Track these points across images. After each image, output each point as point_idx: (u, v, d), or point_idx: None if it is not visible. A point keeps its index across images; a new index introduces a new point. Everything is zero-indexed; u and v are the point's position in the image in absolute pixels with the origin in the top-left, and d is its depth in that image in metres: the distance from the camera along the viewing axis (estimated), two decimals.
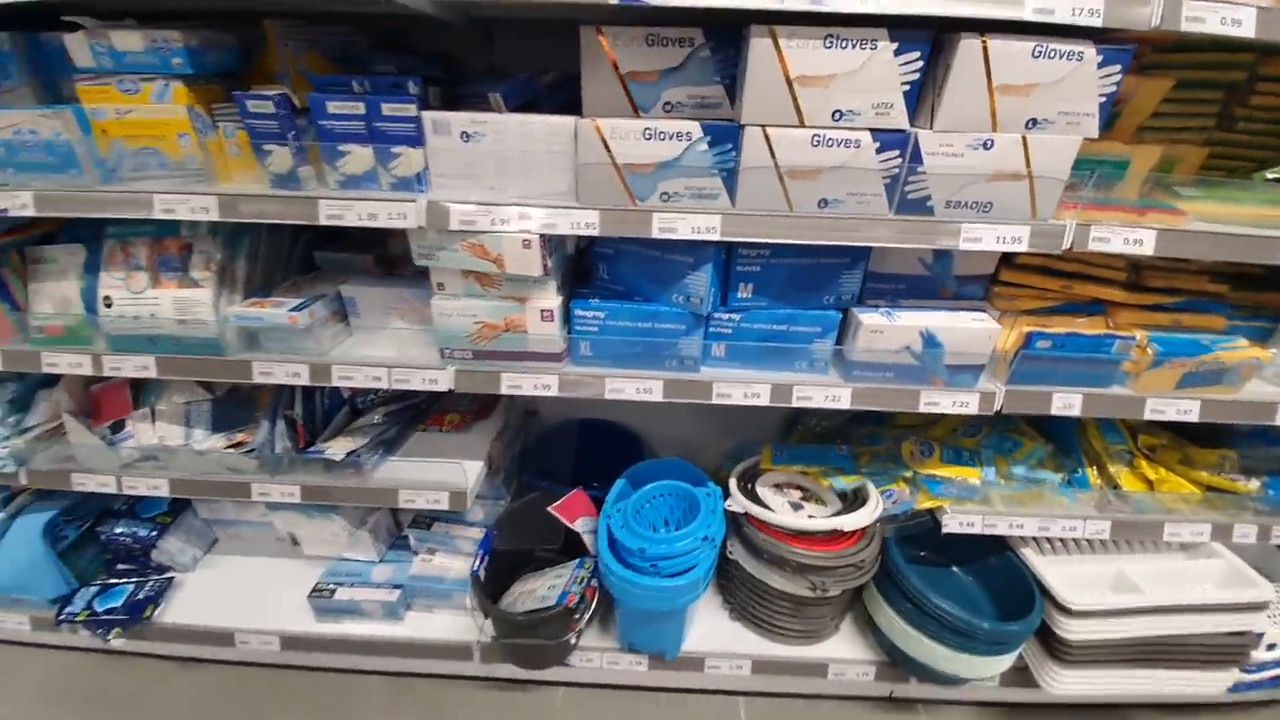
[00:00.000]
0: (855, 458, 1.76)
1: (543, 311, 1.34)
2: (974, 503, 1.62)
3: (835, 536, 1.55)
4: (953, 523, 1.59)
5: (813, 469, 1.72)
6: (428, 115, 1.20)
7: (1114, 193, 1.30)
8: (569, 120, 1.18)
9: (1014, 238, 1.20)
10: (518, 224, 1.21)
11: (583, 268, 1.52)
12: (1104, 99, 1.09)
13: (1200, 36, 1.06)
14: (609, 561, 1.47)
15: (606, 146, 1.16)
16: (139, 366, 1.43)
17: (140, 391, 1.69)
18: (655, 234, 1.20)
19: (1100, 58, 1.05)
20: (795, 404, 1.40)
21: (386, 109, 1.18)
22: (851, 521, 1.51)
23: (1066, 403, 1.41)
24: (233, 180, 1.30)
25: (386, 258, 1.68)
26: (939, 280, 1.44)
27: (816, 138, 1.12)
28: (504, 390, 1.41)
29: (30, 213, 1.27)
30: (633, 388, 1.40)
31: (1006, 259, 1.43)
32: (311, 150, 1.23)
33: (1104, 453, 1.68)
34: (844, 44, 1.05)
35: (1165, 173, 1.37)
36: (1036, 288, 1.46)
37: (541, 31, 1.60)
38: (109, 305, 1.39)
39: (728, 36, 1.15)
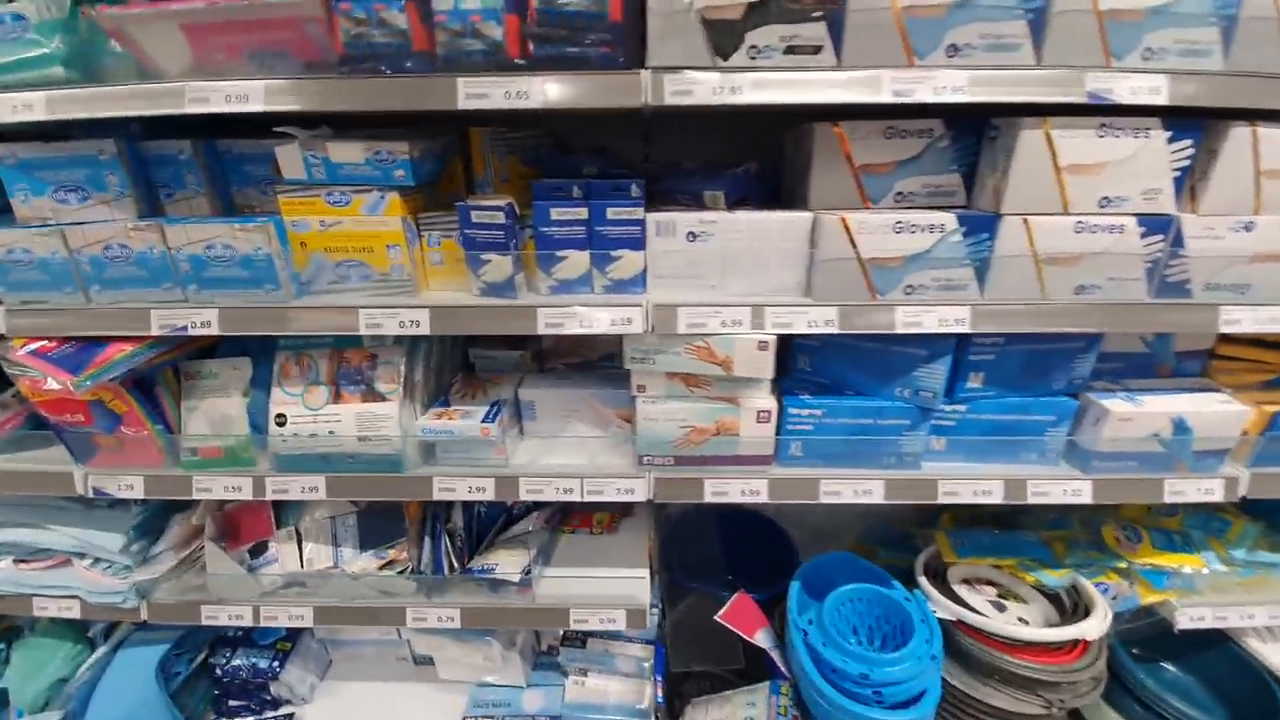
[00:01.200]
0: (1049, 545, 1.62)
1: (759, 412, 1.24)
2: (1201, 593, 1.48)
3: (1065, 646, 1.40)
4: (1184, 618, 1.44)
5: (1007, 561, 1.58)
6: (652, 217, 1.15)
7: None
8: (806, 216, 1.13)
9: (1273, 319, 1.14)
10: (751, 325, 1.14)
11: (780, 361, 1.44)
12: None
13: None
14: (825, 690, 1.31)
15: (852, 241, 1.10)
16: (308, 488, 1.31)
17: (281, 508, 1.56)
18: (899, 329, 1.13)
19: None
20: (1030, 500, 1.29)
21: (611, 213, 1.13)
22: (1093, 629, 1.36)
23: None
24: (431, 289, 1.23)
25: (540, 353, 1.60)
26: (1158, 357, 1.37)
27: (1080, 224, 1.07)
28: (708, 498, 1.29)
29: (214, 331, 1.18)
30: (850, 490, 1.29)
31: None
32: (526, 256, 1.17)
33: None
34: (1117, 133, 1.01)
35: None
36: (1255, 360, 1.39)
37: (697, 125, 1.59)
38: (281, 423, 1.29)
39: (968, 126, 1.12)
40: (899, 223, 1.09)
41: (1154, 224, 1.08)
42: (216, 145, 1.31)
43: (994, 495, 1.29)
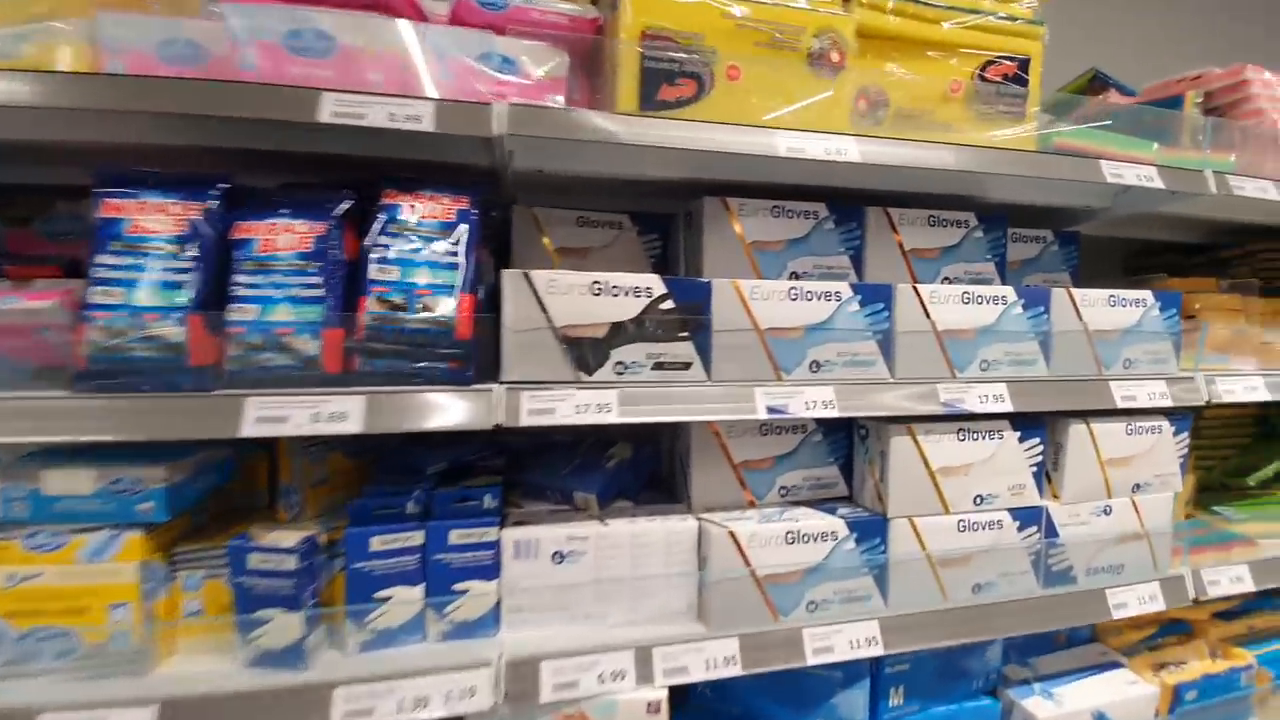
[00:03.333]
0: None
1: None
2: None
3: None
4: None
5: None
6: (511, 536, 0.93)
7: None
8: (692, 526, 0.98)
9: (1150, 596, 1.14)
10: (637, 675, 0.89)
11: None
12: (1181, 459, 1.17)
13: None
14: None
15: (744, 555, 0.95)
16: None
17: None
18: (810, 659, 0.95)
19: (1174, 428, 1.15)
20: None
21: (456, 537, 0.89)
22: None
23: None
24: (176, 658, 0.85)
25: None
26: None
27: (962, 523, 1.03)
28: None
29: None
30: None
31: None
32: (329, 614, 0.86)
33: None
34: (975, 436, 1.03)
35: None
36: (1133, 618, 1.40)
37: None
38: None
39: (839, 423, 1.10)
40: (790, 533, 0.97)
41: (1026, 515, 1.07)
42: None
43: None
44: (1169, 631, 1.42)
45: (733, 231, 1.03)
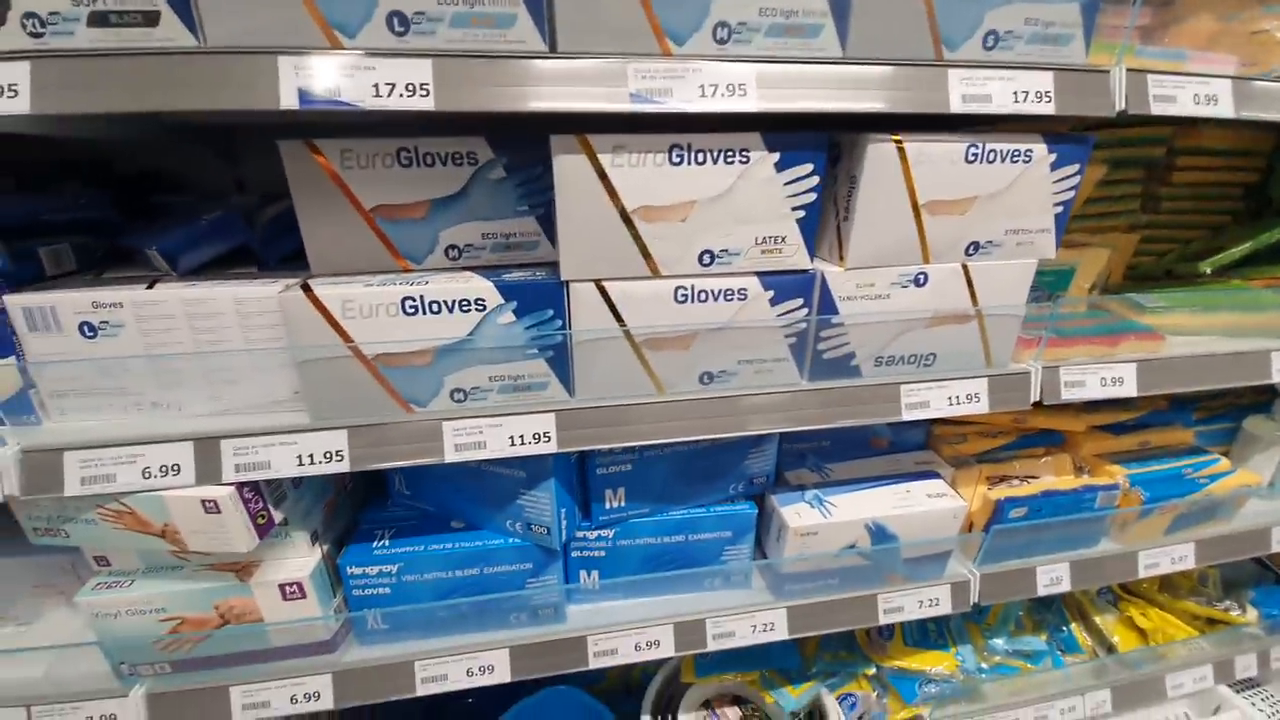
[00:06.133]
0: (801, 649, 1.32)
1: (284, 587, 0.80)
2: (959, 703, 1.22)
3: None
4: None
5: (750, 675, 1.25)
6: (17, 301, 0.68)
7: (1064, 310, 1.01)
8: (269, 290, 0.70)
9: (970, 394, 0.86)
10: (198, 471, 0.70)
11: (377, 480, 1.01)
12: (1060, 208, 0.79)
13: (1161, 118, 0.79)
14: None
15: (340, 330, 0.69)
16: None
17: None
18: (450, 455, 0.73)
19: (1054, 156, 0.75)
20: (711, 645, 0.94)
21: None
22: None
23: (1054, 577, 1.07)
24: None
25: None
26: (872, 430, 1.08)
27: (683, 291, 0.72)
28: (239, 716, 0.84)
29: None
30: (460, 669, 0.88)
31: None
32: None
33: (1085, 600, 1.37)
34: (699, 156, 0.67)
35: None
36: (983, 424, 1.15)
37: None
38: None
39: (525, 149, 0.74)
40: (409, 300, 0.69)
41: (786, 285, 0.75)
42: None
43: (663, 646, 0.93)
44: (1033, 443, 1.17)
45: None
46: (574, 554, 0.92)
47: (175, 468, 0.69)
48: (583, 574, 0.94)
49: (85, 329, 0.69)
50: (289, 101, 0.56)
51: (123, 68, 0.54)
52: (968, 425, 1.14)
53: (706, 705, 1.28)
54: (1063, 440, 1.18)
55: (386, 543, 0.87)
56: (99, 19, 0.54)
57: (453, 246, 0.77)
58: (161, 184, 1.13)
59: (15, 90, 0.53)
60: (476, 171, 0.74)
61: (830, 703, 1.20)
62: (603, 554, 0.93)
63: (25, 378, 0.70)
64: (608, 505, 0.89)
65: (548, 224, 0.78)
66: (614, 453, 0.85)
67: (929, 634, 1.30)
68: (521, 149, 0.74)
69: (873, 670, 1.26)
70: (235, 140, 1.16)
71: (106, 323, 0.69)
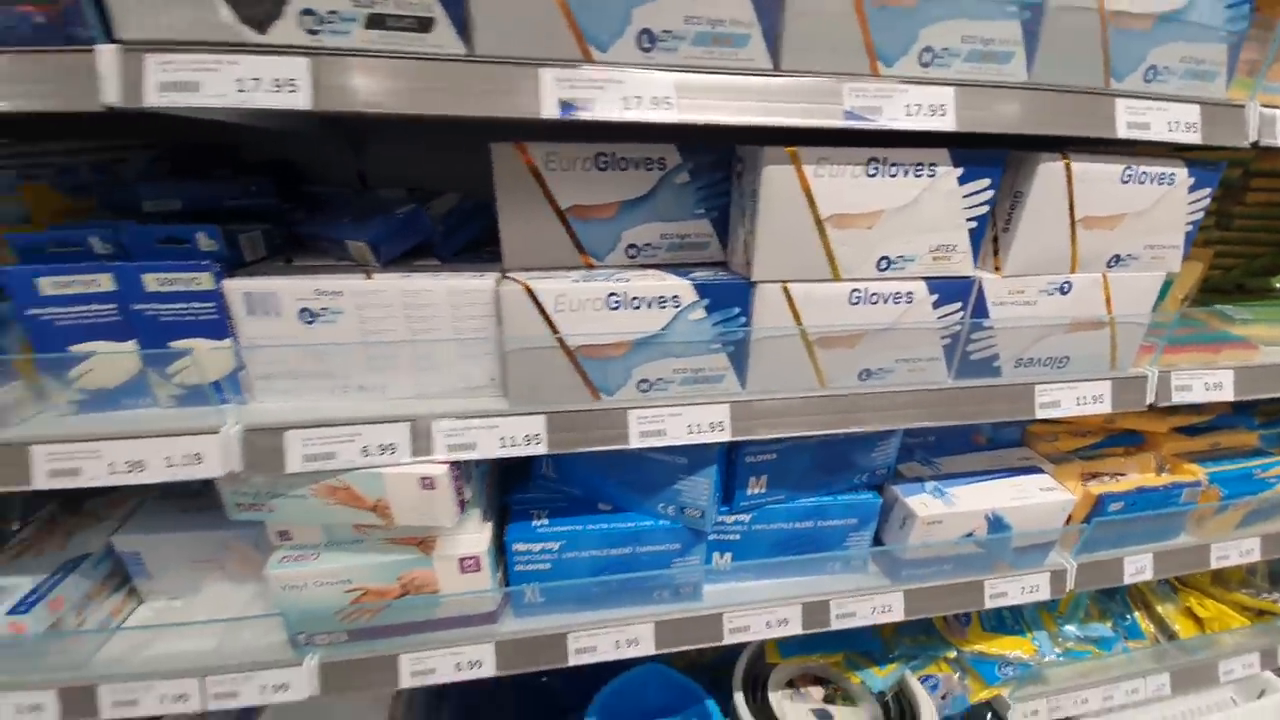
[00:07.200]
0: (877, 630, 1.39)
1: (463, 560, 0.85)
2: (1036, 684, 1.30)
3: None
4: (1018, 716, 1.26)
5: (833, 657, 1.32)
6: (238, 286, 0.71)
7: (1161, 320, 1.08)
8: (485, 284, 0.75)
9: (1095, 396, 0.92)
10: (412, 450, 0.74)
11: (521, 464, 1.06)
12: (1190, 227, 0.85)
13: None
14: None
15: (550, 322, 0.74)
16: None
17: None
18: (634, 442, 0.78)
19: (1193, 180, 0.81)
20: (835, 624, 1.01)
21: (155, 282, 0.68)
22: None
23: (1139, 567, 1.15)
24: None
25: None
26: (975, 427, 1.15)
27: (857, 293, 0.78)
28: (406, 682, 0.89)
29: None
30: (609, 641, 0.94)
31: None
32: (20, 361, 0.70)
33: (1147, 590, 1.45)
34: (892, 170, 0.72)
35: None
36: (1075, 424, 1.22)
37: (426, 131, 1.18)
38: None
39: (717, 155, 0.79)
40: (614, 295, 0.73)
41: (949, 289, 0.81)
42: None
43: (791, 624, 0.99)
44: (1117, 442, 1.25)
45: None
46: (711, 537, 0.97)
47: (391, 447, 0.73)
48: (715, 555, 1.00)
49: (305, 314, 0.73)
50: (550, 111, 0.60)
51: (404, 70, 0.58)
52: (1059, 425, 1.21)
53: (790, 684, 1.35)
54: (1141, 440, 1.26)
55: (545, 521, 0.92)
56: (376, 21, 0.57)
57: (633, 245, 0.82)
58: (293, 174, 1.16)
59: (295, 86, 0.57)
60: (664, 176, 0.79)
61: (914, 682, 1.27)
62: (738, 537, 0.99)
63: (239, 360, 0.74)
64: (749, 491, 0.95)
65: (720, 226, 0.83)
66: (763, 442, 0.91)
67: (1005, 621, 1.38)
68: (705, 156, 0.79)
69: (953, 654, 1.34)
70: (362, 134, 1.19)
71: (326, 309, 0.73)
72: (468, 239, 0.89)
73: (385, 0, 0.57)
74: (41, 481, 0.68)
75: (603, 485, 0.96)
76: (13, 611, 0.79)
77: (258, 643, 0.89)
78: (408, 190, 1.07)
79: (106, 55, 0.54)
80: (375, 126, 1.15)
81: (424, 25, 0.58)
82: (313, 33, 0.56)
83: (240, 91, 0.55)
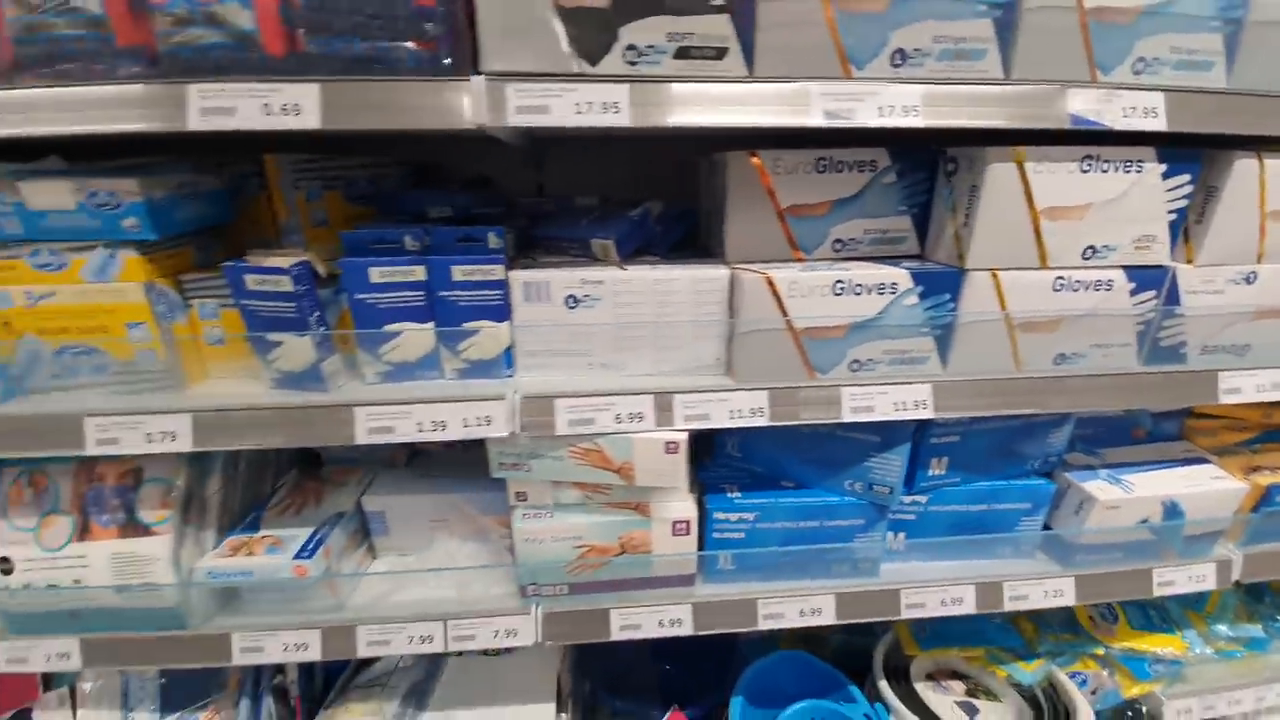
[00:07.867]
0: (1017, 627, 1.41)
1: (676, 524, 0.95)
2: (1189, 681, 1.29)
3: None
4: (1170, 713, 1.25)
5: (974, 652, 1.35)
6: (519, 276, 0.84)
7: None
8: (723, 274, 0.85)
9: (1275, 384, 0.95)
10: (656, 419, 0.85)
11: (703, 441, 1.16)
12: None
13: None
14: None
15: (782, 306, 0.83)
16: (56, 655, 0.92)
17: None
18: (845, 416, 0.87)
19: None
20: (1007, 606, 1.05)
21: (460, 273, 0.82)
22: None
23: None
24: (210, 378, 0.88)
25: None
26: (1134, 420, 1.17)
27: (1061, 281, 0.84)
28: (615, 634, 0.99)
29: None
30: (794, 610, 1.01)
31: None
32: (341, 337, 0.84)
33: None
34: (1105, 167, 0.79)
35: None
36: (1234, 418, 1.23)
37: (599, 150, 1.31)
38: (8, 571, 0.89)
39: (918, 158, 0.88)
40: (839, 282, 0.83)
41: (1146, 278, 0.86)
42: None
43: (965, 603, 1.05)
44: (1275, 438, 1.25)
45: None
46: (891, 515, 1.04)
47: (639, 415, 0.84)
48: (889, 534, 1.06)
49: (569, 300, 0.85)
50: (816, 120, 0.70)
51: (703, 94, 0.69)
52: (1218, 419, 1.22)
53: (929, 677, 1.38)
54: None
55: (739, 494, 1.01)
56: (683, 52, 0.69)
57: (839, 240, 0.91)
58: (485, 184, 1.31)
59: (618, 108, 0.69)
60: (874, 177, 0.88)
61: (1064, 679, 1.29)
62: (914, 517, 1.05)
63: (513, 338, 0.87)
64: (930, 472, 1.02)
65: (919, 222, 0.92)
66: (949, 423, 0.98)
67: (1152, 620, 1.38)
68: (911, 158, 0.88)
69: (1100, 651, 1.34)
70: (543, 151, 1.33)
71: (588, 296, 0.85)
72: (677, 238, 1.01)
73: (691, 34, 0.68)
74: (362, 437, 0.82)
75: (786, 463, 1.05)
76: (298, 555, 0.93)
77: (487, 593, 1.01)
78: (600, 200, 1.19)
79: (477, 84, 0.67)
80: (555, 143, 1.29)
81: (720, 54, 0.69)
82: (632, 64, 0.68)
83: (578, 114, 0.67)
